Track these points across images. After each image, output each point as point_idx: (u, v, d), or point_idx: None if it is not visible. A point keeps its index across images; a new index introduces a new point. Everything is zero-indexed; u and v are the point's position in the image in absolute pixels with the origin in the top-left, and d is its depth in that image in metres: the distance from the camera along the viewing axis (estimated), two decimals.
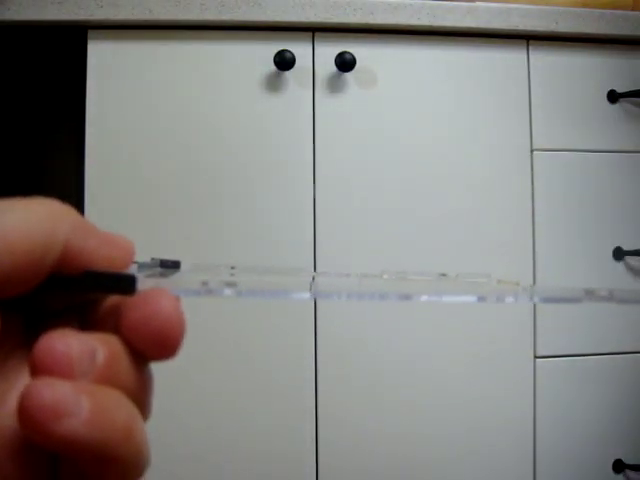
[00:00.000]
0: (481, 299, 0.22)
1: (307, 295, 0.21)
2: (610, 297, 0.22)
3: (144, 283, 0.19)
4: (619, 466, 0.96)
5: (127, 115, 0.89)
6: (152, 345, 0.19)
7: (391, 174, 0.93)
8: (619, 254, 0.97)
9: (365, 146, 0.93)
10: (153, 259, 0.28)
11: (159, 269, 0.29)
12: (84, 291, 0.20)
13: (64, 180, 1.13)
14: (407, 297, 0.21)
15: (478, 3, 0.94)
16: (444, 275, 0.30)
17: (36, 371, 0.17)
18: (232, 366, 0.89)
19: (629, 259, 0.97)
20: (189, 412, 0.88)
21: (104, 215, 0.88)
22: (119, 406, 0.18)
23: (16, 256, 0.17)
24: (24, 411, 0.16)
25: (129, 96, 0.89)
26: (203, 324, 0.87)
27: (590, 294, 0.22)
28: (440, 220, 0.94)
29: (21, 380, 0.19)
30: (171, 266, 0.29)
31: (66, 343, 0.17)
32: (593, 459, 0.96)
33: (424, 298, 0.21)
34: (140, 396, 0.19)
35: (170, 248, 0.89)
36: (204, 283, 0.20)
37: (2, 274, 0.17)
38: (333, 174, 0.92)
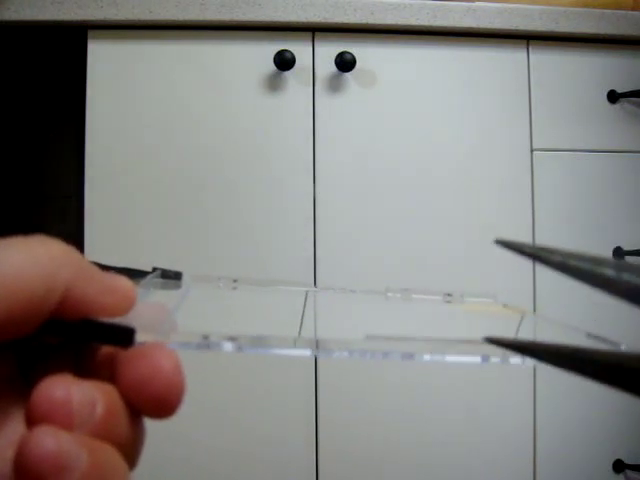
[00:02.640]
0: (485, 359, 0.22)
1: (309, 352, 0.21)
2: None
3: (143, 336, 0.19)
4: (619, 466, 0.96)
5: (127, 115, 0.89)
6: (151, 405, 0.18)
7: (391, 174, 0.93)
8: (619, 254, 0.97)
9: (365, 146, 0.93)
10: (155, 269, 0.28)
11: (160, 280, 0.28)
12: (81, 339, 0.19)
13: (64, 180, 1.13)
14: (410, 357, 0.21)
15: (478, 3, 0.94)
16: (449, 295, 0.30)
17: (34, 418, 0.16)
18: (234, 376, 0.89)
19: (629, 259, 0.97)
20: (193, 424, 0.88)
21: (104, 215, 0.88)
22: (114, 465, 0.17)
23: (13, 302, 0.17)
24: (23, 460, 0.15)
25: (129, 96, 0.89)
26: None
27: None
28: (440, 220, 0.94)
29: (10, 424, 0.18)
30: (173, 277, 0.28)
31: (66, 391, 0.17)
32: (593, 459, 0.96)
33: (427, 358, 0.21)
34: (132, 450, 0.19)
35: (170, 248, 0.89)
36: (205, 337, 0.20)
37: None
38: (333, 174, 0.92)
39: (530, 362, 0.21)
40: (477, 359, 0.22)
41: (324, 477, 0.90)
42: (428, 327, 0.22)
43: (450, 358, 0.22)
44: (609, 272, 0.20)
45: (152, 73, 0.90)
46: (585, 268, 0.20)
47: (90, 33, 0.89)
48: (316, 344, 0.21)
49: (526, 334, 0.26)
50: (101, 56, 0.89)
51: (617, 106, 0.98)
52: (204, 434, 0.88)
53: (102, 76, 0.89)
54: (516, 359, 0.22)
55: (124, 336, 0.19)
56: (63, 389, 0.17)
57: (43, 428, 0.16)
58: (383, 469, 0.92)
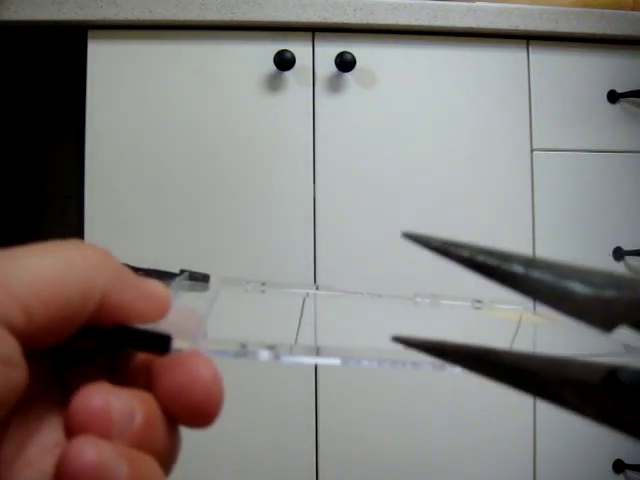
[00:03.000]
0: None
1: (339, 362, 0.21)
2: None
3: (179, 343, 0.19)
4: (619, 466, 0.96)
5: (127, 115, 0.89)
6: (188, 414, 0.18)
7: (391, 174, 0.93)
8: (619, 254, 0.97)
9: (365, 146, 0.93)
10: (182, 271, 0.28)
11: (188, 282, 0.28)
12: (117, 346, 0.19)
13: (64, 180, 1.13)
14: (441, 367, 0.21)
15: (478, 3, 0.94)
16: (479, 302, 0.29)
17: (74, 428, 0.16)
18: (234, 381, 0.89)
19: (629, 259, 0.97)
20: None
21: (104, 215, 0.88)
22: (152, 475, 0.17)
23: (50, 311, 0.17)
24: (64, 470, 0.15)
25: (129, 96, 0.89)
26: None
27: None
28: (440, 220, 0.94)
29: (45, 430, 0.18)
30: (200, 279, 0.28)
31: (105, 400, 0.17)
32: (593, 459, 0.96)
33: (458, 371, 0.21)
34: (168, 461, 0.19)
35: (170, 248, 0.89)
36: (243, 345, 0.20)
37: (35, 329, 0.16)
38: (333, 174, 0.92)
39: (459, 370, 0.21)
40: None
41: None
42: (457, 334, 0.21)
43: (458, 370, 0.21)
44: (518, 269, 0.19)
45: (152, 73, 0.90)
46: (493, 264, 0.19)
47: (90, 33, 0.89)
48: (340, 353, 0.21)
49: (559, 345, 0.25)
50: (101, 56, 0.89)
51: (617, 106, 0.98)
52: (204, 439, 0.88)
53: (102, 76, 0.89)
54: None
55: (160, 343, 0.18)
56: (102, 398, 0.17)
57: (84, 438, 0.16)
58: (383, 472, 0.92)
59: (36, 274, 0.17)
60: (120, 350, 0.20)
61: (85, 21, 0.87)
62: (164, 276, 0.25)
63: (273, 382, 0.89)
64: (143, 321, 0.19)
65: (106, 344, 0.19)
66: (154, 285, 0.20)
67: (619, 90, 0.98)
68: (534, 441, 0.95)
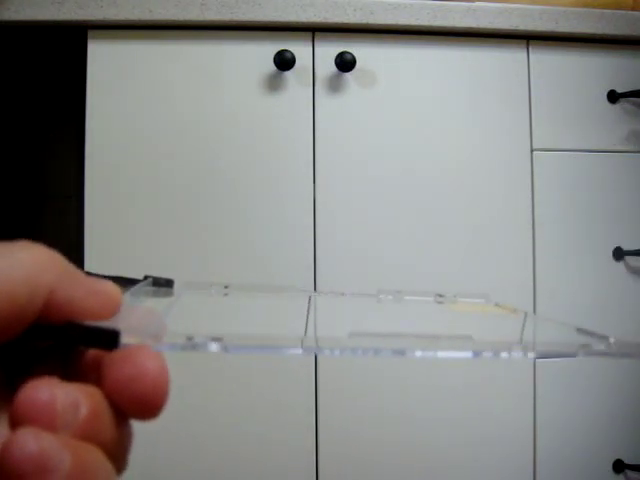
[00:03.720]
0: (476, 354, 0.22)
1: (299, 351, 0.20)
2: (607, 351, 0.22)
3: (128, 338, 0.19)
4: (619, 466, 0.96)
5: (127, 115, 0.89)
6: (135, 406, 0.18)
7: (391, 173, 0.93)
8: (619, 254, 0.97)
9: (365, 146, 0.93)
10: (146, 277, 0.28)
11: (152, 288, 0.28)
12: (66, 343, 0.19)
13: (64, 180, 1.13)
14: (401, 353, 0.21)
15: (478, 3, 0.94)
16: (441, 296, 0.30)
17: (17, 420, 0.16)
18: (234, 380, 0.89)
19: (629, 259, 0.97)
20: (193, 428, 0.88)
21: (104, 215, 0.88)
22: (98, 466, 0.17)
23: None
24: (5, 461, 0.15)
25: (129, 96, 0.89)
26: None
27: (585, 347, 0.22)
28: (440, 220, 0.94)
29: None
30: (164, 285, 0.28)
31: (50, 393, 0.17)
32: (593, 459, 0.96)
33: (418, 354, 0.21)
34: (118, 453, 0.19)
35: (169, 249, 0.89)
36: (189, 338, 0.20)
37: None
38: (333, 174, 0.92)
39: (518, 356, 0.21)
40: (468, 354, 0.22)
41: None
42: (421, 327, 0.22)
43: (442, 354, 0.22)
44: None
45: (152, 73, 0.90)
46: None
47: (90, 33, 0.89)
48: (302, 342, 0.21)
49: (518, 332, 0.26)
50: (101, 56, 0.89)
51: (617, 106, 0.98)
52: (204, 438, 0.88)
53: (102, 76, 0.89)
54: (505, 354, 0.21)
55: (108, 338, 0.19)
56: (46, 391, 0.17)
57: (25, 429, 0.16)
58: (383, 471, 0.92)
59: None
60: (71, 349, 0.20)
61: (85, 21, 0.87)
62: (127, 282, 0.25)
63: (273, 381, 0.89)
64: (94, 318, 0.19)
65: (55, 341, 0.19)
66: (103, 283, 0.20)
67: (619, 90, 0.98)
68: (534, 441, 0.95)
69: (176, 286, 0.29)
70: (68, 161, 1.10)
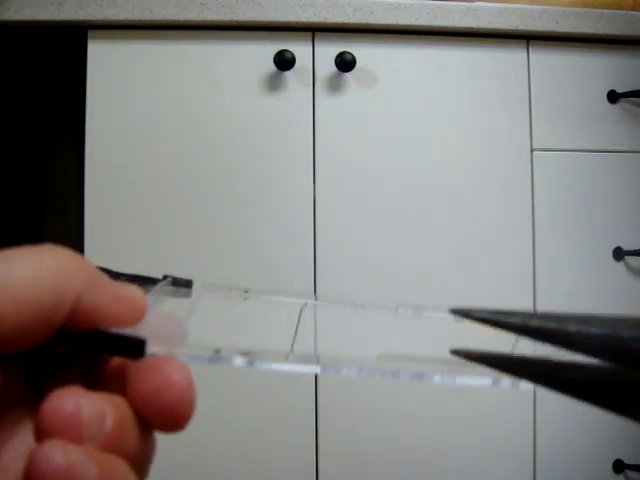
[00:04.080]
0: (496, 382, 0.21)
1: (318, 370, 0.20)
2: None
3: (154, 347, 0.19)
4: (619, 466, 0.96)
5: (127, 115, 0.89)
6: (161, 418, 0.18)
7: (391, 173, 0.93)
8: (619, 254, 0.97)
9: (365, 146, 0.93)
10: (165, 276, 0.28)
11: (171, 288, 0.28)
12: (91, 350, 0.19)
13: (64, 180, 1.13)
14: (420, 377, 0.21)
15: (478, 3, 0.94)
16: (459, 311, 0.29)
17: (43, 431, 0.16)
18: (235, 381, 0.89)
19: (629, 259, 0.97)
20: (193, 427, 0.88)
21: (104, 216, 0.88)
22: (123, 478, 0.17)
23: (22, 314, 0.16)
24: (32, 474, 0.15)
25: (129, 96, 0.89)
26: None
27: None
28: (440, 220, 0.94)
29: (19, 436, 0.18)
30: (184, 285, 0.28)
31: (76, 403, 0.16)
32: (593, 459, 0.96)
33: (437, 379, 0.21)
34: (142, 464, 0.19)
35: (169, 249, 0.89)
36: (217, 351, 0.20)
37: (6, 332, 0.16)
38: (333, 174, 0.92)
39: (540, 387, 0.21)
40: (487, 382, 0.21)
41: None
42: (438, 344, 0.21)
43: (460, 380, 0.21)
44: (572, 328, 0.20)
45: (152, 73, 0.90)
46: (549, 327, 0.20)
47: (90, 33, 0.89)
48: (319, 360, 0.21)
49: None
50: (101, 56, 0.89)
51: (617, 106, 0.98)
52: (205, 438, 0.88)
53: (102, 76, 0.89)
54: (527, 384, 0.21)
55: (135, 347, 0.18)
56: (72, 401, 0.17)
57: (52, 442, 0.16)
58: (383, 471, 0.92)
59: (7, 277, 0.16)
60: (95, 355, 0.20)
61: (85, 21, 0.87)
62: (146, 281, 0.25)
63: (273, 383, 0.89)
64: (119, 325, 0.19)
65: (81, 348, 0.19)
66: (129, 289, 0.20)
67: (619, 90, 0.98)
68: (534, 441, 0.95)
69: (195, 287, 0.29)
70: (68, 161, 1.10)
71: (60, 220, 1.13)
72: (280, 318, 0.29)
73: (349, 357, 0.21)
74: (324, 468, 0.90)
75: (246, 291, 0.29)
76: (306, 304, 0.29)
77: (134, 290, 0.20)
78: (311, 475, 0.90)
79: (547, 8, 0.95)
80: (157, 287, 0.25)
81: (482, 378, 0.21)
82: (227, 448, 0.89)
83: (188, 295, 0.28)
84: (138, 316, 0.19)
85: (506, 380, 0.21)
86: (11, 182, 1.12)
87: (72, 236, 0.95)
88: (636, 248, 0.97)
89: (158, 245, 0.89)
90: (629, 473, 0.97)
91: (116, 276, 0.21)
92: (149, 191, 0.89)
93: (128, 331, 0.19)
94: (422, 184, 0.94)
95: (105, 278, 0.19)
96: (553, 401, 0.95)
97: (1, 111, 1.12)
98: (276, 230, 0.91)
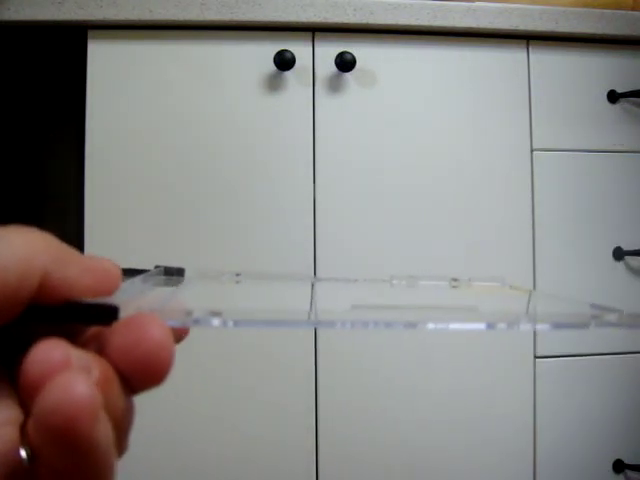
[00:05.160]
0: (490, 326, 0.21)
1: (305, 325, 0.20)
2: (619, 322, 0.21)
3: (127, 313, 0.18)
4: (619, 466, 0.96)
5: (127, 115, 0.89)
6: (139, 372, 0.18)
7: (391, 173, 0.93)
8: (619, 254, 0.97)
9: (365, 146, 0.93)
10: (157, 267, 0.27)
11: (163, 277, 0.27)
12: (64, 322, 0.19)
13: (64, 180, 1.13)
14: (413, 325, 0.20)
15: (478, 3, 0.94)
16: (455, 280, 0.29)
17: (32, 383, 0.16)
18: (233, 379, 0.89)
19: (629, 259, 0.97)
20: (193, 428, 0.88)
21: (104, 216, 0.88)
22: (110, 437, 0.17)
23: None
24: (53, 410, 0.15)
25: (129, 96, 0.89)
26: (204, 349, 0.87)
27: (597, 319, 0.21)
28: (440, 220, 0.94)
29: None
30: (175, 274, 0.28)
31: (64, 353, 0.16)
32: (593, 459, 0.96)
33: (431, 326, 0.20)
34: (122, 428, 0.18)
35: (169, 248, 0.89)
36: (188, 313, 0.19)
37: None
38: (333, 174, 0.92)
39: (539, 327, 0.21)
40: (481, 326, 0.21)
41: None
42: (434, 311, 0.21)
43: (454, 326, 0.21)
44: None
45: (152, 73, 0.90)
46: None
47: (90, 33, 0.89)
48: (308, 316, 0.20)
49: (533, 309, 0.25)
50: (101, 56, 0.89)
51: (617, 106, 0.98)
52: (205, 439, 0.88)
53: (102, 76, 0.89)
54: (525, 325, 0.21)
55: (107, 313, 0.18)
56: (60, 350, 0.16)
57: (69, 373, 0.15)
58: (383, 472, 0.92)
59: None
60: (71, 331, 0.20)
61: (85, 21, 0.87)
62: (138, 273, 0.24)
63: (273, 382, 0.89)
64: (93, 296, 0.19)
65: (54, 321, 0.19)
66: (100, 260, 0.20)
67: (619, 90, 0.98)
68: (534, 441, 0.95)
69: (187, 275, 0.28)
70: (68, 161, 1.10)
71: (60, 220, 1.13)
72: (271, 296, 0.29)
73: (332, 311, 0.20)
74: (324, 469, 0.90)
75: (238, 274, 0.28)
76: (313, 283, 0.29)
77: (104, 260, 0.20)
78: (311, 476, 0.90)
79: (547, 8, 0.95)
80: (148, 274, 0.25)
81: (476, 323, 0.21)
82: (227, 449, 0.89)
83: (180, 283, 0.28)
84: (111, 286, 0.19)
85: (501, 324, 0.21)
86: (11, 182, 1.12)
87: (72, 236, 0.95)
88: (636, 248, 0.97)
89: (158, 245, 0.89)
90: (629, 473, 0.97)
91: None
92: (149, 191, 0.89)
93: (100, 300, 0.19)
94: (422, 184, 0.94)
95: (74, 252, 0.19)
96: (553, 401, 0.95)
97: (1, 111, 1.12)
98: (276, 230, 0.91)
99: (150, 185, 0.89)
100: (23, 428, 0.17)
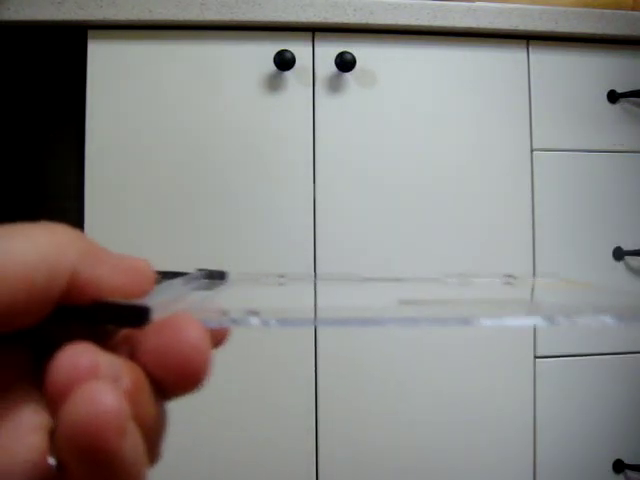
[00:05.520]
0: (548, 319, 0.19)
1: (352, 323, 0.18)
2: None
3: (159, 315, 0.17)
4: (619, 466, 0.96)
5: (127, 115, 0.89)
6: (173, 377, 0.17)
7: (391, 173, 0.93)
8: (619, 254, 0.97)
9: (365, 146, 0.93)
10: (200, 270, 0.26)
11: (205, 281, 0.26)
12: (93, 324, 0.18)
13: (64, 180, 1.13)
14: (466, 322, 0.19)
15: (478, 3, 0.94)
16: (510, 276, 0.27)
17: (58, 389, 0.15)
18: (233, 381, 0.89)
19: (629, 259, 0.97)
20: (193, 428, 0.88)
21: (104, 216, 0.88)
22: (139, 448, 0.16)
23: (14, 289, 0.16)
24: (79, 421, 0.14)
25: (129, 96, 0.89)
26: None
27: None
28: (440, 220, 0.94)
29: (22, 417, 0.17)
30: (217, 277, 0.26)
31: (92, 359, 0.15)
32: (593, 459, 0.96)
33: (486, 323, 0.19)
34: (154, 437, 0.17)
35: (170, 248, 0.89)
36: (224, 313, 0.18)
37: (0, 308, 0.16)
38: (333, 174, 0.92)
39: (605, 320, 0.19)
40: (538, 320, 0.19)
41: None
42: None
43: (510, 321, 0.19)
44: None
45: (152, 73, 0.90)
46: None
47: (90, 33, 0.89)
48: (350, 314, 0.18)
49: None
50: (101, 56, 0.89)
51: (617, 106, 0.98)
52: (204, 440, 0.88)
53: (102, 76, 0.89)
54: (586, 318, 0.19)
55: (138, 315, 0.17)
56: (88, 356, 0.15)
57: (96, 382, 0.14)
58: (383, 473, 0.92)
59: (3, 257, 0.16)
60: (100, 329, 0.19)
61: (85, 21, 0.87)
62: (178, 276, 0.23)
63: (273, 384, 0.89)
64: (124, 297, 0.18)
65: (82, 322, 0.18)
66: (132, 259, 0.19)
67: (619, 90, 0.98)
68: (534, 441, 0.95)
69: (230, 277, 0.27)
70: (68, 161, 1.10)
71: (60, 220, 1.12)
72: (318, 296, 0.28)
73: (371, 308, 0.19)
74: (324, 471, 0.90)
75: (282, 276, 0.27)
76: (359, 282, 0.28)
77: (137, 260, 0.19)
78: (311, 477, 0.90)
79: (547, 8, 0.95)
80: (188, 276, 0.24)
81: (532, 317, 0.19)
82: (226, 450, 0.89)
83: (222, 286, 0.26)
84: (145, 287, 0.18)
85: (559, 317, 0.19)
86: (11, 182, 1.12)
87: None
88: (636, 248, 0.97)
89: (158, 245, 0.89)
90: (629, 473, 0.97)
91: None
92: (149, 191, 0.89)
93: (132, 301, 0.17)
94: (422, 184, 0.94)
95: (105, 251, 0.18)
96: (553, 401, 0.95)
97: (1, 111, 1.12)
98: (276, 230, 0.91)
99: (150, 185, 0.89)
100: (52, 435, 0.16)
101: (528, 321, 0.19)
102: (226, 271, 0.27)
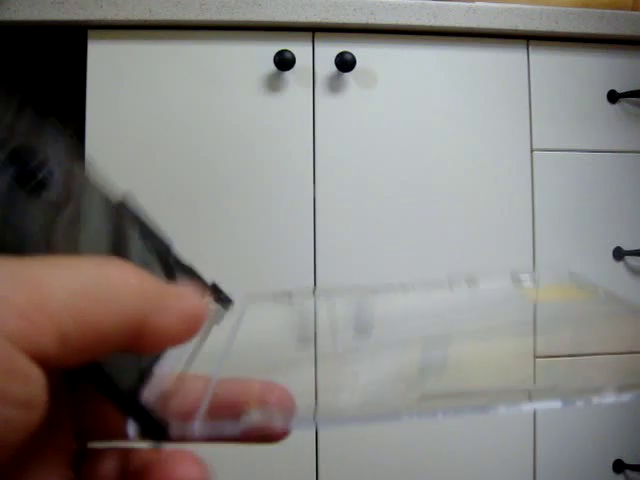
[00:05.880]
0: (567, 403, 0.19)
1: (371, 419, 0.19)
2: None
3: (175, 431, 0.17)
4: (619, 466, 0.96)
5: (127, 115, 0.89)
6: None
7: (391, 174, 0.93)
8: (619, 254, 0.97)
9: (365, 146, 0.93)
10: (214, 286, 0.26)
11: (216, 308, 0.26)
12: (121, 412, 0.17)
13: None
14: (484, 411, 0.19)
15: (478, 3, 0.94)
16: (518, 277, 0.27)
17: None
18: None
19: (629, 259, 0.97)
20: None
21: None
22: None
23: (86, 337, 0.15)
24: None
25: (129, 96, 0.89)
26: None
27: None
28: (440, 219, 0.94)
29: (60, 435, 0.16)
30: (225, 301, 0.26)
31: None
32: (593, 459, 0.96)
33: (502, 410, 0.19)
34: None
35: None
36: (244, 421, 0.18)
37: (65, 355, 0.14)
38: (333, 174, 0.92)
39: (626, 398, 0.19)
40: (557, 404, 0.19)
41: None
42: (494, 313, 0.20)
43: (527, 407, 0.19)
44: None
45: (152, 73, 0.90)
46: None
47: (90, 33, 0.89)
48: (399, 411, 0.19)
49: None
50: (101, 56, 0.89)
51: (617, 106, 0.98)
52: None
53: (102, 76, 0.89)
54: (608, 398, 0.19)
55: (156, 431, 0.17)
56: None
57: None
58: (383, 473, 0.92)
59: (75, 294, 0.15)
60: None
61: (85, 21, 0.87)
62: (196, 280, 0.23)
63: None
64: (174, 345, 0.17)
65: (105, 396, 0.17)
66: (191, 299, 0.18)
67: (619, 90, 0.98)
68: (534, 441, 0.95)
69: (238, 300, 0.26)
70: None
71: None
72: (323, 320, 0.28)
73: (387, 403, 0.19)
74: (324, 472, 0.90)
75: (290, 296, 0.27)
76: (370, 296, 0.28)
77: (195, 300, 0.17)
78: (311, 477, 0.90)
79: (547, 8, 0.95)
80: (215, 311, 0.23)
81: (551, 401, 0.19)
82: (225, 449, 0.89)
83: (232, 307, 0.26)
84: (194, 334, 0.17)
85: (580, 401, 0.19)
86: None
87: None
88: (636, 248, 0.97)
89: None
90: (629, 473, 0.97)
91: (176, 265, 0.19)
92: (149, 191, 0.89)
93: (152, 403, 0.17)
94: (422, 184, 0.94)
95: (167, 289, 0.17)
96: None
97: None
98: (276, 230, 0.91)
99: (149, 185, 0.89)
100: None
101: (546, 405, 0.20)
102: (232, 300, 0.27)
